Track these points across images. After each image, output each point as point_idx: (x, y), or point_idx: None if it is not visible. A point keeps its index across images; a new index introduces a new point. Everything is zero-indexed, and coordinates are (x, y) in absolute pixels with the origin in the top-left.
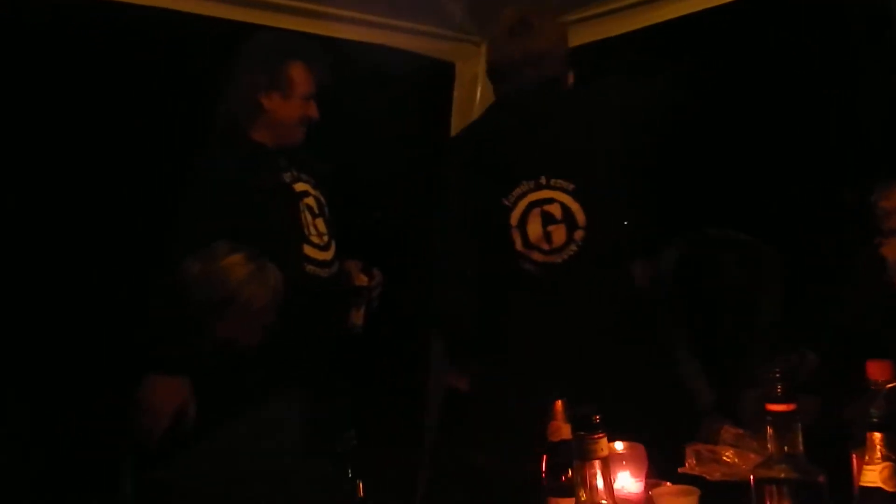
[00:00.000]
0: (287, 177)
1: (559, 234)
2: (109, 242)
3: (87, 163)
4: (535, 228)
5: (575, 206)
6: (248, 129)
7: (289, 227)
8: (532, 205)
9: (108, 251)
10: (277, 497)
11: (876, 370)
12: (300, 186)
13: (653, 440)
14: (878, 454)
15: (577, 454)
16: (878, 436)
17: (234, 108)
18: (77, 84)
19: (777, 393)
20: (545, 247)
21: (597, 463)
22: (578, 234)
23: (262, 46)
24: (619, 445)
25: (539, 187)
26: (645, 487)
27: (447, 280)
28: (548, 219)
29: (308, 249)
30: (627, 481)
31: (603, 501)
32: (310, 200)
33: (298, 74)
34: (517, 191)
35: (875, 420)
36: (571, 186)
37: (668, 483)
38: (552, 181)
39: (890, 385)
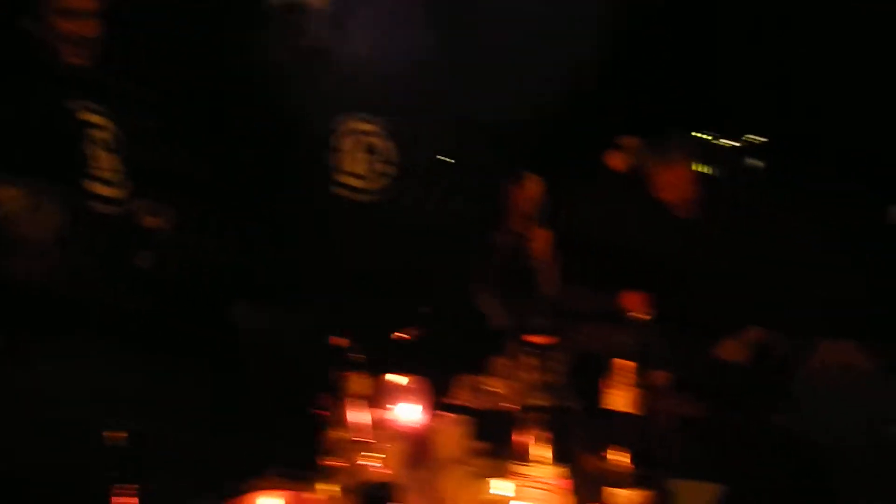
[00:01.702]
0: (73, 105)
1: (378, 164)
2: None
3: None
4: (355, 156)
5: (389, 143)
6: (33, 54)
7: (69, 158)
8: (354, 133)
9: None
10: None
11: (630, 301)
12: (89, 116)
13: (445, 372)
14: (626, 381)
15: (333, 391)
16: (626, 363)
17: (8, 36)
18: None
19: (537, 325)
20: (363, 174)
21: (352, 400)
22: (390, 169)
23: None
24: (399, 378)
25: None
26: (424, 419)
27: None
28: (369, 149)
29: (92, 185)
30: (407, 412)
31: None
32: (100, 133)
33: None
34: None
35: (626, 349)
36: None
37: (445, 413)
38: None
39: (643, 317)
